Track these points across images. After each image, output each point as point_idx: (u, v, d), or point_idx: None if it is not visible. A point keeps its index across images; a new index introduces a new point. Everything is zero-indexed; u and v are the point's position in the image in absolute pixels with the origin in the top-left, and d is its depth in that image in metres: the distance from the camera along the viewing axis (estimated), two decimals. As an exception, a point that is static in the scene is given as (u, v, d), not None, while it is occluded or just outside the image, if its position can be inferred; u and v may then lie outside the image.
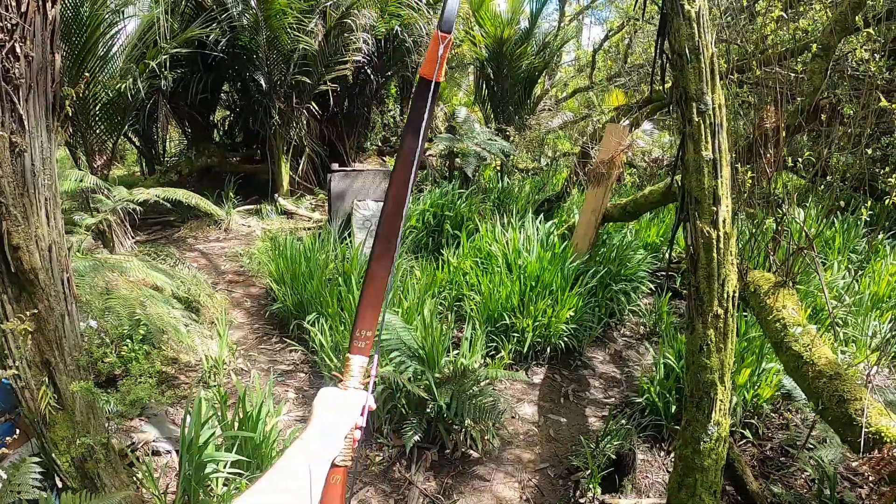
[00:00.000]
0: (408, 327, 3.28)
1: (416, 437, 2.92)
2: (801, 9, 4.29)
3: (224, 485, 2.55)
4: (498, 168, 7.96)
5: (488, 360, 3.78)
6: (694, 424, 2.15)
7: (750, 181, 2.81)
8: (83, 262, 2.86)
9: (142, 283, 2.92)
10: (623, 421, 3.22)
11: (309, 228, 6.69)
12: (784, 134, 2.76)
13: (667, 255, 5.68)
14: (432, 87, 0.95)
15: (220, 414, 2.67)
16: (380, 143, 9.61)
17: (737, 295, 2.11)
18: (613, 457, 2.85)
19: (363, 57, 7.33)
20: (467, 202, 5.91)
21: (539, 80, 9.81)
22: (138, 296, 2.68)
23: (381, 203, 6.07)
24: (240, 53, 7.13)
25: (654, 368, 3.54)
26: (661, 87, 3.24)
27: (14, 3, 1.75)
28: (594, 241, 4.68)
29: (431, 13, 7.83)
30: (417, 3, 7.55)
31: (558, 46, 9.67)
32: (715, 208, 2.11)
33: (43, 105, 1.96)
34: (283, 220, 7.26)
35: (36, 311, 1.98)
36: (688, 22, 2.05)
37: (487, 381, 3.44)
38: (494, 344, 3.93)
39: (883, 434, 1.75)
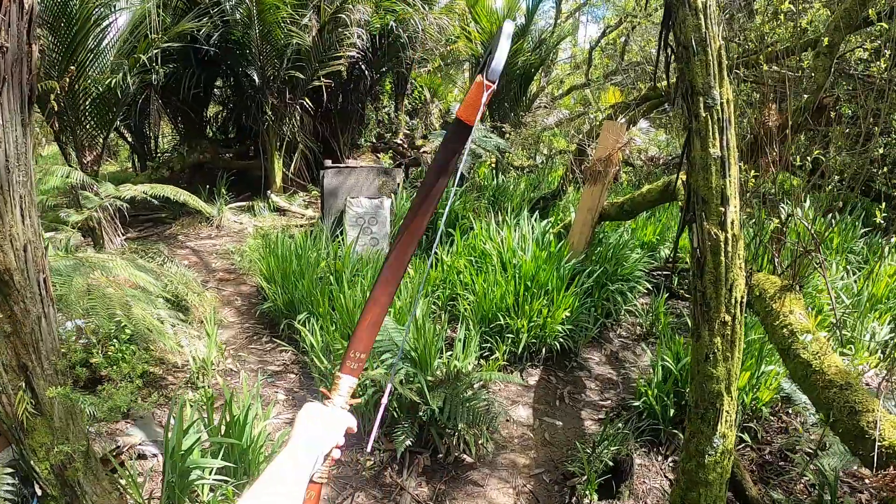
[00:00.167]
0: (399, 328, 3.21)
1: (409, 442, 2.85)
2: (800, 7, 4.24)
3: (210, 491, 2.47)
4: (493, 165, 7.90)
5: (482, 361, 3.71)
6: (698, 437, 2.05)
7: (752, 181, 2.75)
8: (64, 261, 2.77)
9: (125, 282, 2.84)
10: (620, 425, 3.16)
11: (301, 225, 6.60)
12: (789, 132, 2.70)
13: (665, 255, 5.64)
14: (471, 133, 0.95)
15: (206, 418, 2.59)
16: (374, 140, 9.51)
17: (745, 301, 2.00)
18: (610, 462, 2.79)
19: (357, 52, 7.24)
20: (462, 200, 5.83)
21: (535, 78, 9.76)
22: (122, 296, 2.60)
23: (375, 200, 5.93)
24: (232, 48, 7.03)
25: (651, 370, 3.48)
26: (664, 83, 3.16)
27: (-15, -10, 1.66)
28: (590, 240, 4.61)
29: (426, 8, 7.75)
30: (412, -1, 7.47)
31: (554, 43, 9.62)
32: (723, 209, 1.99)
33: (18, 98, 1.87)
34: (275, 217, 7.17)
35: (11, 313, 1.90)
36: (694, 12, 1.96)
37: (481, 383, 3.38)
38: (489, 345, 3.86)
39: (897, 449, 1.65)
